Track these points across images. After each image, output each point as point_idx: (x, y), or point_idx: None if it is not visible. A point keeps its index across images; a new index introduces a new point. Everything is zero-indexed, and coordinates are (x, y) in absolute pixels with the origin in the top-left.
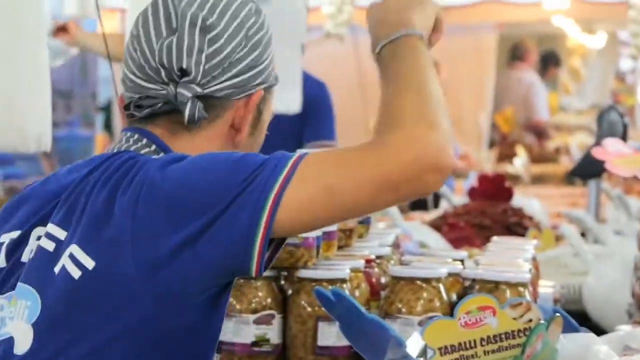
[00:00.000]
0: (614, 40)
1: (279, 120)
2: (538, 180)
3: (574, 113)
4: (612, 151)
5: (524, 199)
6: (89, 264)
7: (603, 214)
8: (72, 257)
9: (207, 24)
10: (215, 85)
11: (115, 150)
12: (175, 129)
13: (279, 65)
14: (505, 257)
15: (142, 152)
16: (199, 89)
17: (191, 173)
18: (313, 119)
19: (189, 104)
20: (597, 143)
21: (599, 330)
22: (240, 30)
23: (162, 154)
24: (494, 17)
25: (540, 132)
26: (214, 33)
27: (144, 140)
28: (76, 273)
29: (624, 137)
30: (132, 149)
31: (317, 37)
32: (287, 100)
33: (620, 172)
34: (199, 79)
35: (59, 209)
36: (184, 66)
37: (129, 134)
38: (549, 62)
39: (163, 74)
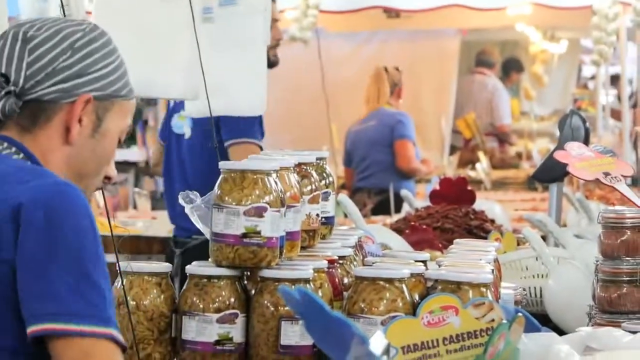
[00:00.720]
0: (576, 47)
1: (198, 122)
2: (499, 185)
3: (536, 119)
4: (574, 155)
5: (486, 203)
6: None
7: (564, 219)
8: None
9: (28, 36)
10: (40, 89)
11: None
12: (21, 132)
13: (242, 66)
14: (467, 259)
15: (5, 153)
16: (14, 88)
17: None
18: (229, 118)
19: (2, 101)
20: (559, 147)
21: (560, 332)
22: (64, 41)
23: (21, 155)
24: (457, 23)
25: (503, 138)
26: (34, 43)
27: (5, 144)
28: None
29: (586, 142)
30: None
31: (282, 40)
32: (251, 101)
33: (583, 175)
34: (20, 83)
35: None
36: (3, 71)
37: None
38: (511, 68)
39: None
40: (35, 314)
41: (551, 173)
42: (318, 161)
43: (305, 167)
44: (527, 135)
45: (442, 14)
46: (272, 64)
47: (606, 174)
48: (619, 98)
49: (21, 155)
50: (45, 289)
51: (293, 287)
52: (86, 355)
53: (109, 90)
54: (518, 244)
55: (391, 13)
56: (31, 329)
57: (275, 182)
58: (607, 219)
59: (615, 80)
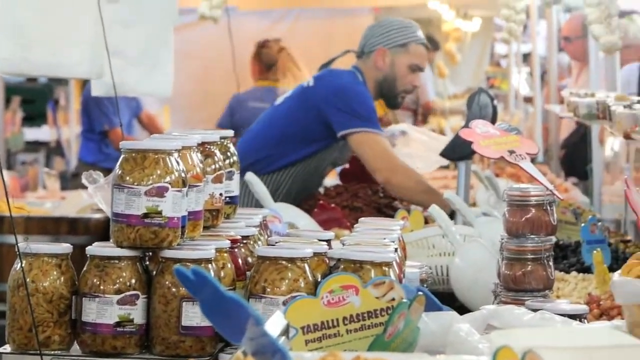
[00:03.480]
0: (489, 25)
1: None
2: None
3: (449, 97)
4: (479, 132)
5: None
6: None
7: (474, 197)
8: None
9: None
10: None
11: None
12: None
13: (148, 47)
14: (371, 238)
15: None
16: None
17: None
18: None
19: None
20: (467, 125)
21: (466, 311)
22: None
23: None
24: (370, 2)
25: (428, 114)
26: None
27: None
28: None
29: (493, 120)
30: None
31: (192, 20)
32: (158, 83)
33: (487, 153)
34: None
35: None
36: None
37: None
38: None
39: None
40: None
41: (459, 151)
42: (222, 140)
43: (208, 146)
44: (440, 112)
45: None
46: (396, 104)
47: (511, 152)
48: (531, 75)
49: None
50: None
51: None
52: None
53: None
54: (427, 222)
55: None
56: None
57: (177, 162)
58: (512, 197)
59: (527, 57)
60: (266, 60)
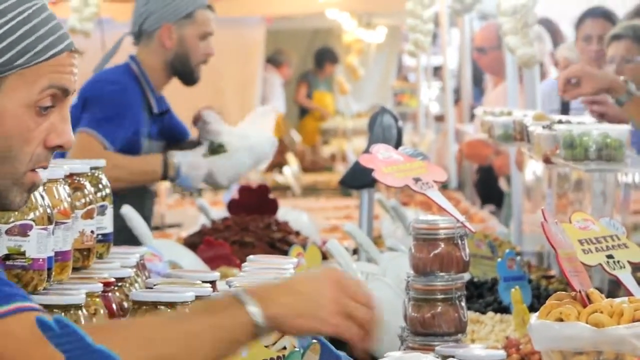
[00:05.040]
0: (396, 35)
1: None
2: (310, 191)
3: (352, 116)
4: (381, 158)
5: (292, 212)
6: None
7: (379, 228)
8: None
9: None
10: None
11: None
12: None
13: None
14: (261, 278)
15: None
16: None
17: None
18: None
19: None
20: (368, 150)
21: (371, 358)
22: None
23: None
24: (261, 10)
25: None
26: None
27: None
28: None
29: (398, 143)
30: None
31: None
32: None
33: (390, 181)
34: None
35: None
36: None
37: None
38: (324, 59)
39: None
40: None
41: (360, 178)
42: (93, 171)
43: (77, 178)
44: (342, 134)
45: (244, 0)
46: (194, 80)
47: (417, 180)
48: (443, 90)
49: None
50: None
51: (62, 314)
52: None
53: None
54: (325, 258)
55: None
56: None
57: (42, 196)
58: (418, 230)
59: (439, 71)
60: None
